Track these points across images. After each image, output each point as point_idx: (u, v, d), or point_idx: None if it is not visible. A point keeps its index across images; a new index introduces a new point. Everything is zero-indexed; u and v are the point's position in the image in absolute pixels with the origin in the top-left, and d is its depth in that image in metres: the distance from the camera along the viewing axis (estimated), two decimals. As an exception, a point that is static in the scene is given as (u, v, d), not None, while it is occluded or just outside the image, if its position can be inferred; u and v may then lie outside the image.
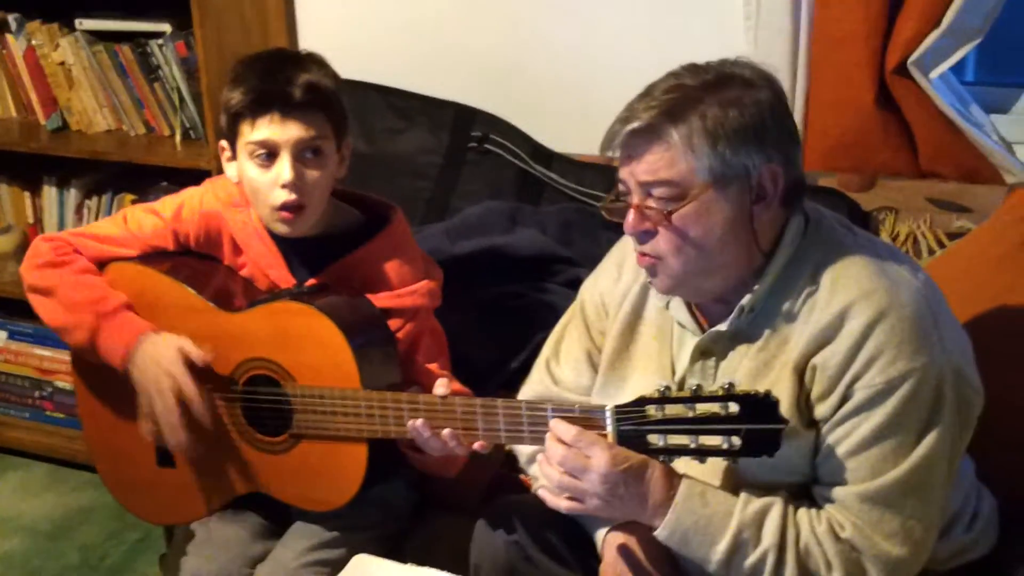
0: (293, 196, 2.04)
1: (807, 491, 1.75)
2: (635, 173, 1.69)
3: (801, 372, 1.71)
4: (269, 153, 2.03)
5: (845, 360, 1.67)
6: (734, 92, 1.66)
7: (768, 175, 1.67)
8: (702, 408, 1.61)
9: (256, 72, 2.06)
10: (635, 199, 1.71)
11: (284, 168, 2.02)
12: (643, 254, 1.74)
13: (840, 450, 1.70)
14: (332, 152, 2.08)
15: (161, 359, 2.05)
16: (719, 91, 1.66)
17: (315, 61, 2.09)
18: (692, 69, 1.70)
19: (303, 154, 2.04)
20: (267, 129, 2.02)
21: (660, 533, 1.72)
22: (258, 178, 2.05)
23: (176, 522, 2.32)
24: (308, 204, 2.06)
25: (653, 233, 1.70)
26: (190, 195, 2.23)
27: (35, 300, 2.19)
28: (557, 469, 1.71)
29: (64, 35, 3.13)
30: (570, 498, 1.73)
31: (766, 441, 1.59)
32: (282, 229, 2.09)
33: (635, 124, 1.66)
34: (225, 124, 2.09)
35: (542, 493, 1.77)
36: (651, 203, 1.69)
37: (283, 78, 2.02)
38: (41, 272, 2.16)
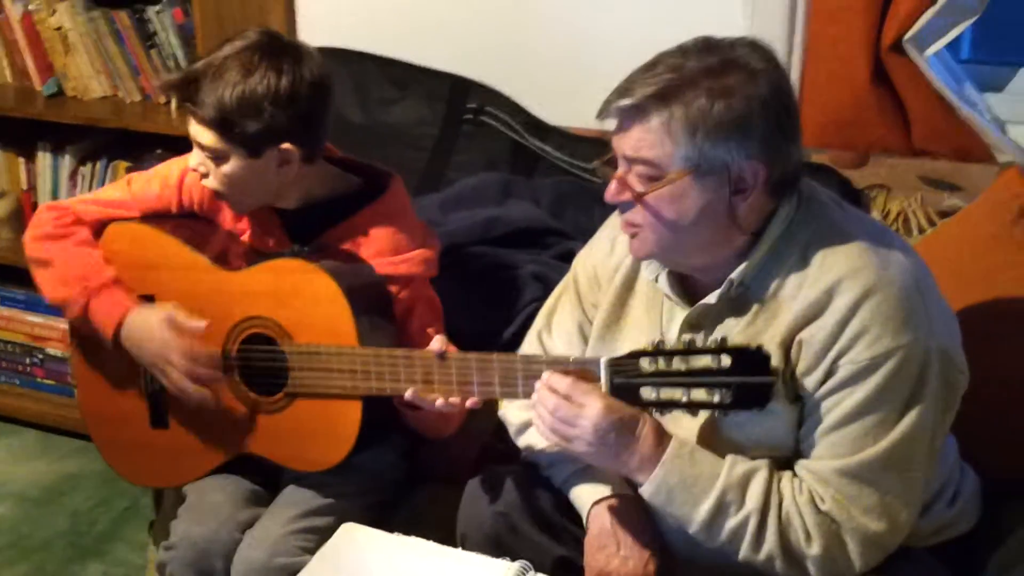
0: (203, 182, 2.09)
1: (790, 465, 1.76)
2: (621, 145, 1.70)
3: (787, 347, 1.71)
4: None
5: (831, 336, 1.67)
6: (731, 81, 1.63)
7: (749, 170, 1.67)
8: (695, 362, 1.63)
9: (206, 62, 2.05)
10: (619, 170, 1.72)
11: (193, 155, 2.09)
12: (625, 220, 1.76)
13: (822, 425, 1.71)
14: (236, 158, 2.04)
15: (151, 335, 2.10)
16: (717, 78, 1.64)
17: (267, 64, 2.01)
18: (702, 47, 1.68)
19: (206, 154, 2.07)
20: (187, 118, 2.07)
21: (645, 490, 1.74)
22: None
23: (169, 484, 2.33)
24: (223, 193, 2.10)
25: (632, 204, 1.71)
26: None
27: (35, 272, 2.24)
28: (548, 416, 1.73)
29: (61, 0, 3.12)
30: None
31: (757, 394, 1.60)
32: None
33: (626, 100, 1.66)
34: None
35: (535, 421, 1.80)
36: (631, 177, 1.70)
37: (204, 83, 2.01)
38: (41, 244, 2.22)
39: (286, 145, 2.05)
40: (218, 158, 2.05)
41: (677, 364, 1.64)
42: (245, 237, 2.21)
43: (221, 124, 2.01)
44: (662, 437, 1.73)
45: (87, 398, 2.34)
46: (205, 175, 2.08)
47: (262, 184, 2.10)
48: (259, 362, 2.11)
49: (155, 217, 2.23)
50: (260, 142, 2.04)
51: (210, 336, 2.12)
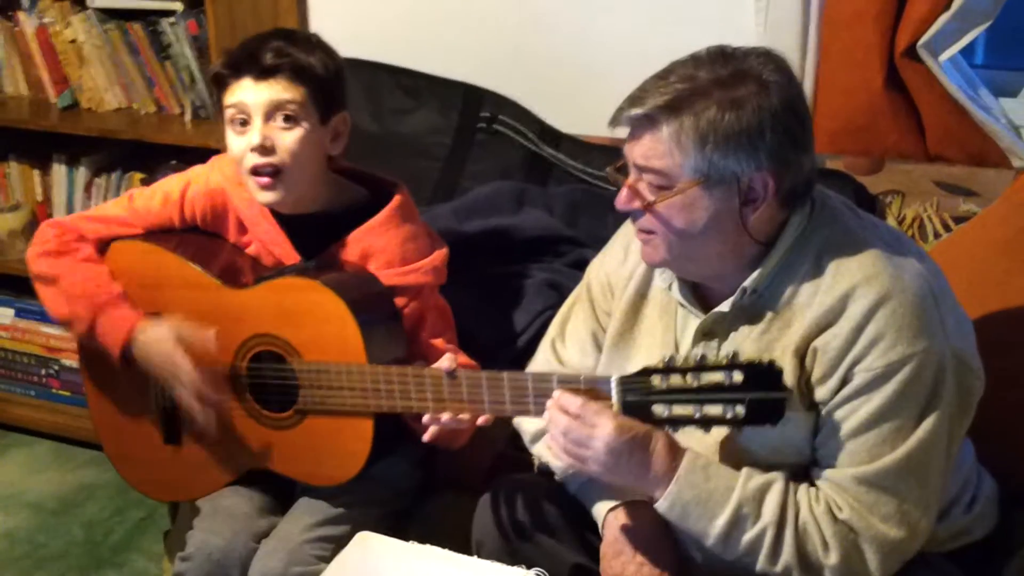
0: (263, 159, 2.05)
1: (807, 472, 1.75)
2: (632, 154, 1.71)
3: (802, 354, 1.71)
4: (244, 120, 2.06)
5: (846, 343, 1.67)
6: (743, 92, 1.63)
7: (758, 181, 1.66)
8: (706, 378, 1.61)
9: (240, 43, 2.10)
10: (630, 177, 1.73)
11: (254, 132, 2.05)
12: (638, 227, 1.76)
13: (839, 433, 1.70)
14: (311, 121, 2.07)
15: (160, 352, 2.09)
16: (728, 89, 1.63)
17: (306, 40, 2.10)
18: (715, 57, 1.68)
19: (275, 118, 2.05)
20: (239, 93, 2.05)
21: (660, 505, 1.73)
22: (235, 146, 2.08)
23: (182, 499, 2.34)
24: (284, 168, 2.07)
25: (642, 212, 1.71)
26: (196, 173, 2.24)
27: (39, 289, 2.23)
28: (561, 437, 1.72)
29: (76, 13, 3.15)
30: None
31: (769, 410, 1.59)
32: (264, 198, 2.10)
33: (637, 110, 1.66)
34: (215, 94, 2.12)
35: (548, 443, 1.79)
36: (642, 185, 1.71)
37: (257, 45, 2.06)
38: (45, 260, 2.21)
39: (345, 114, 2.14)
40: (293, 119, 2.05)
41: (689, 380, 1.63)
42: (250, 250, 2.21)
43: (311, 78, 2.05)
44: (675, 453, 1.73)
45: (99, 415, 2.34)
46: (269, 150, 2.05)
47: (315, 159, 2.11)
48: (269, 379, 2.11)
49: (159, 233, 2.22)
50: (333, 105, 2.11)
51: (218, 353, 2.11)
